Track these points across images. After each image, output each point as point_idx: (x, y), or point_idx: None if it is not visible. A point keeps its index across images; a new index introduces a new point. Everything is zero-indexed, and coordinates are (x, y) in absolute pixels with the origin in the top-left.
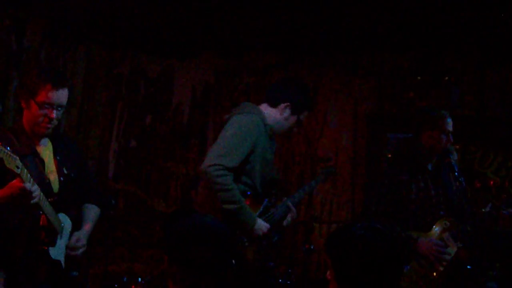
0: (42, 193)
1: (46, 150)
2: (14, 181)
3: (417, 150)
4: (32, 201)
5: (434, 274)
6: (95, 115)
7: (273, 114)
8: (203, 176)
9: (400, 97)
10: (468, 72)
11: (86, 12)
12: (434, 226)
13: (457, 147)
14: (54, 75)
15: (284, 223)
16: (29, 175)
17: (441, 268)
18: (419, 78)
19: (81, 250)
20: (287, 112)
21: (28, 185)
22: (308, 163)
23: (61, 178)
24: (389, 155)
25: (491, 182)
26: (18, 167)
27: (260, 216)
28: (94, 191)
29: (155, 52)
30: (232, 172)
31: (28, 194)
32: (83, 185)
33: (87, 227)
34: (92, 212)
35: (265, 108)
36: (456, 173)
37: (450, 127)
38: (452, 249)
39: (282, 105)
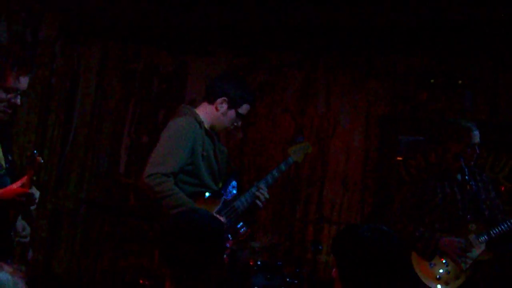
0: None
1: None
2: (16, 186)
3: (445, 159)
4: (32, 207)
5: (459, 271)
6: (108, 110)
7: (211, 111)
8: (144, 189)
9: (413, 99)
10: (481, 76)
11: (101, 7)
12: (461, 229)
13: None
14: (22, 61)
15: (258, 204)
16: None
17: (464, 266)
18: (432, 81)
19: (28, 239)
20: (224, 107)
21: (33, 190)
22: (318, 164)
23: (7, 165)
24: (399, 158)
25: (502, 188)
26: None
27: (219, 212)
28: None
29: (169, 48)
30: (171, 177)
31: (33, 202)
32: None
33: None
34: None
35: (203, 107)
36: (466, 177)
37: (476, 140)
38: (477, 251)
39: (219, 100)
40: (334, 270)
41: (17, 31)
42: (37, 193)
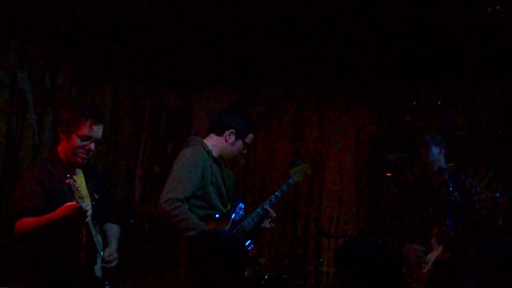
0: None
1: (79, 178)
2: (71, 203)
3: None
4: (86, 220)
5: (420, 274)
6: (121, 145)
7: (219, 142)
8: (160, 214)
9: (398, 120)
10: (458, 96)
11: (112, 53)
12: (425, 233)
13: (451, 164)
14: (95, 112)
15: (264, 225)
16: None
17: (423, 270)
18: (414, 103)
19: (114, 263)
20: (232, 138)
21: (84, 204)
22: (315, 184)
23: (93, 203)
24: (388, 174)
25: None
26: (80, 197)
27: (229, 231)
28: (115, 213)
29: (174, 86)
30: (185, 202)
31: (84, 212)
32: (107, 207)
33: (114, 243)
34: (115, 230)
35: (212, 138)
36: (450, 189)
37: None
38: (435, 253)
39: (227, 133)
40: None
41: (37, 78)
42: (87, 205)
